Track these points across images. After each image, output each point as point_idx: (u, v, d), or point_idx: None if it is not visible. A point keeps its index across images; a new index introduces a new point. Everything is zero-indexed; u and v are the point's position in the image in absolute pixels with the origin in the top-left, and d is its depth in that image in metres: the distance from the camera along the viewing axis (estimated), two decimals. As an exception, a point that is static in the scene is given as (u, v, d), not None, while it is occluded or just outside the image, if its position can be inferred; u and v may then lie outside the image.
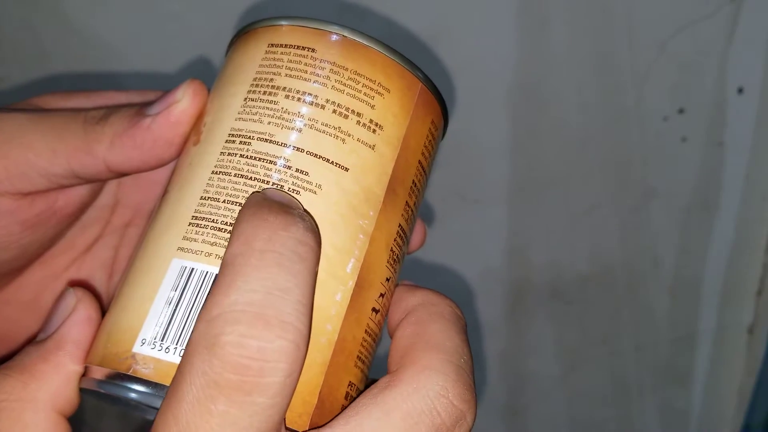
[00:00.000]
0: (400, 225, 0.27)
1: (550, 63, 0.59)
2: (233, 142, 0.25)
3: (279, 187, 0.24)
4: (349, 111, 0.26)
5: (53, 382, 0.24)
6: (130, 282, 0.25)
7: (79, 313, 0.25)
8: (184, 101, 0.27)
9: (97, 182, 0.31)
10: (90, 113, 0.28)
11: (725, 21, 0.57)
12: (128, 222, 0.34)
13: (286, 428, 0.22)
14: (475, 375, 0.25)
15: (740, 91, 0.60)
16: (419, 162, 0.28)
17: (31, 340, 0.25)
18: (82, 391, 0.24)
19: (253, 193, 0.24)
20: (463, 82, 0.59)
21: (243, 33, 0.28)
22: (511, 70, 0.59)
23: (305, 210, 0.24)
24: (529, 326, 0.72)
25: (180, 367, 0.21)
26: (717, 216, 0.66)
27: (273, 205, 0.23)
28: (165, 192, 0.27)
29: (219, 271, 0.22)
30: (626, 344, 0.73)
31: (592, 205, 0.66)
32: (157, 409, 0.22)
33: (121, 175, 0.29)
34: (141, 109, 0.28)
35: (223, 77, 0.28)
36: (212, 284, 0.23)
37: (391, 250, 0.26)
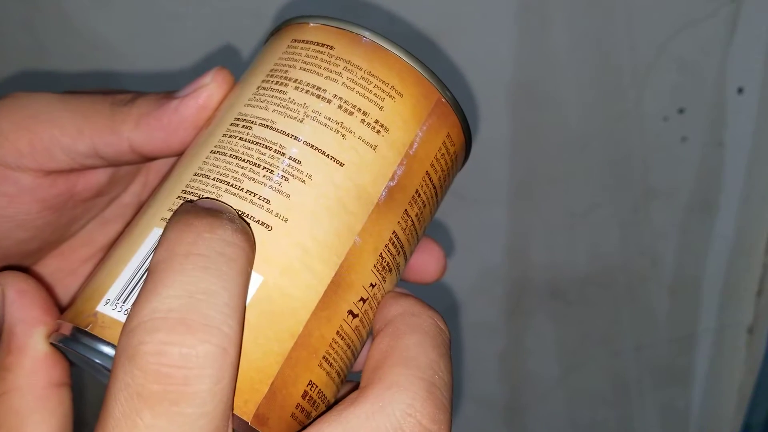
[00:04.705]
0: (394, 232, 0.26)
1: (550, 63, 0.59)
2: (237, 125, 0.26)
3: (269, 171, 0.25)
4: (355, 108, 0.26)
5: (26, 365, 0.24)
6: (114, 246, 0.26)
7: (10, 294, 0.25)
8: (212, 85, 0.28)
9: (119, 165, 0.31)
10: (118, 96, 0.29)
11: (725, 21, 0.57)
12: None
13: (234, 415, 0.22)
14: (453, 392, 0.24)
15: (740, 91, 0.60)
16: (426, 173, 0.27)
17: None
18: (53, 345, 0.24)
19: (183, 203, 0.24)
20: (462, 82, 0.59)
21: (276, 31, 0.29)
22: (511, 70, 0.59)
23: (239, 215, 0.24)
24: (529, 326, 0.72)
25: (108, 382, 0.20)
26: (717, 216, 0.66)
27: (200, 210, 0.22)
28: (171, 169, 0.27)
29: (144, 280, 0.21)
30: (626, 344, 0.73)
31: (592, 205, 0.66)
32: (110, 369, 0.21)
33: (144, 157, 0.29)
34: (169, 93, 0.28)
35: (248, 70, 0.29)
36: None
37: (381, 255, 0.26)
